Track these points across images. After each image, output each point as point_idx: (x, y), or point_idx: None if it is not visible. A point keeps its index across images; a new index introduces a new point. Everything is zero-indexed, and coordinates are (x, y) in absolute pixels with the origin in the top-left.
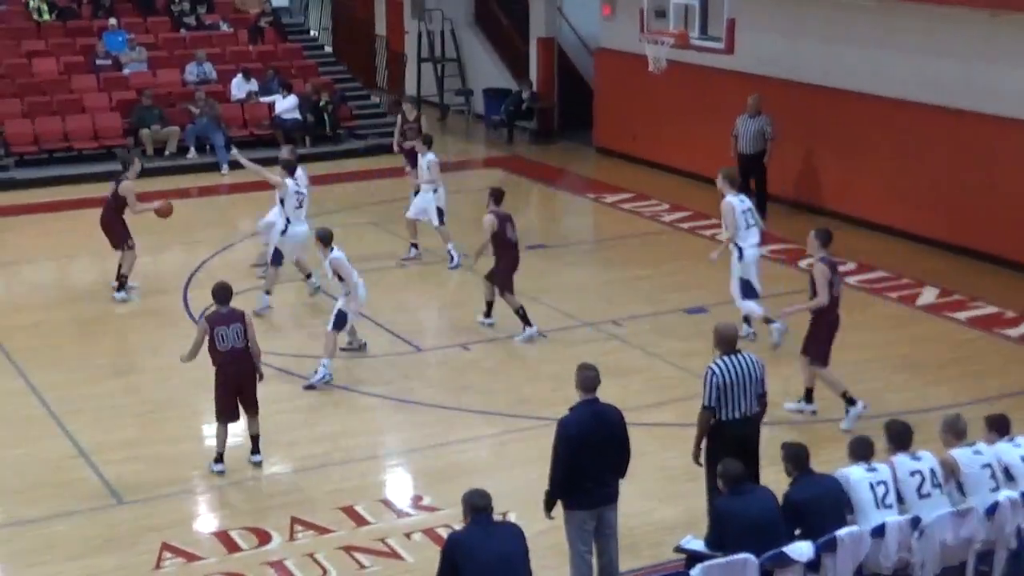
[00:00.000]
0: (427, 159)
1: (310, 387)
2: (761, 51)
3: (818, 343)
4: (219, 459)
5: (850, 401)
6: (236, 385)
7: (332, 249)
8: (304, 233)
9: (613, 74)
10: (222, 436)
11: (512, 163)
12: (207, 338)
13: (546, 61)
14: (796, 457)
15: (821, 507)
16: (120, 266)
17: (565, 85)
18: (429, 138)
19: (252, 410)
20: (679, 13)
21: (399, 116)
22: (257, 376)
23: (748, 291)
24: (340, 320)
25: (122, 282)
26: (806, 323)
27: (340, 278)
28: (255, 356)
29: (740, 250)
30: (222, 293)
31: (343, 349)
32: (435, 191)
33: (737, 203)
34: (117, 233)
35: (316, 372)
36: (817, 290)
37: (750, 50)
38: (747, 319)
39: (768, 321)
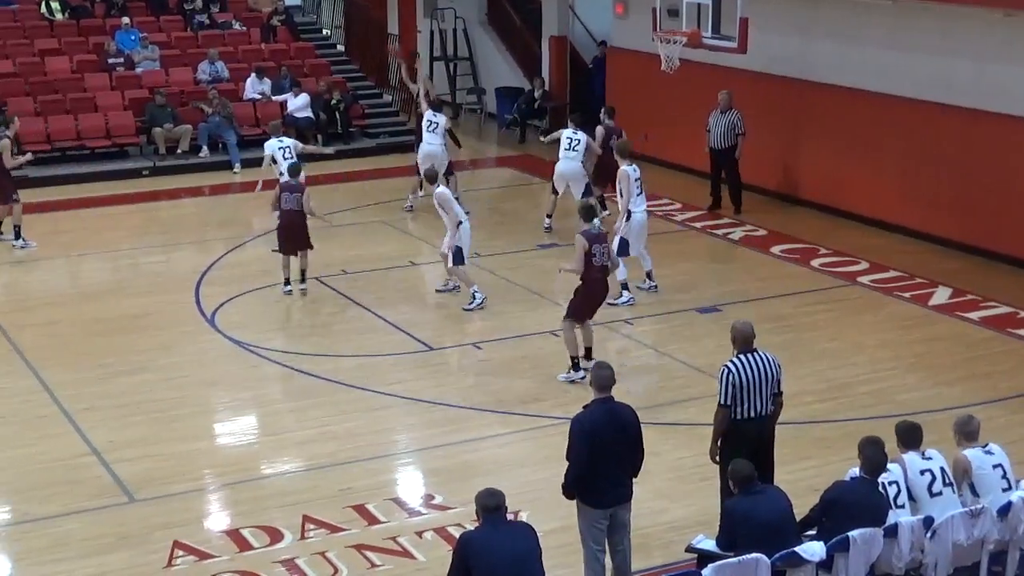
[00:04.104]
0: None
1: (469, 309)
2: (774, 50)
3: (576, 303)
4: None
5: (575, 367)
6: None
7: (437, 185)
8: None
9: (625, 73)
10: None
11: (524, 162)
12: None
13: (558, 60)
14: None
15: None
16: (12, 219)
17: (577, 84)
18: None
19: None
20: (691, 12)
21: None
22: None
23: (623, 250)
24: (457, 256)
25: (17, 231)
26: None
27: (445, 211)
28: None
29: (629, 214)
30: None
31: (438, 291)
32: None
33: (631, 172)
34: (5, 188)
35: (473, 300)
36: (575, 258)
37: (763, 49)
38: (625, 285)
39: (624, 287)
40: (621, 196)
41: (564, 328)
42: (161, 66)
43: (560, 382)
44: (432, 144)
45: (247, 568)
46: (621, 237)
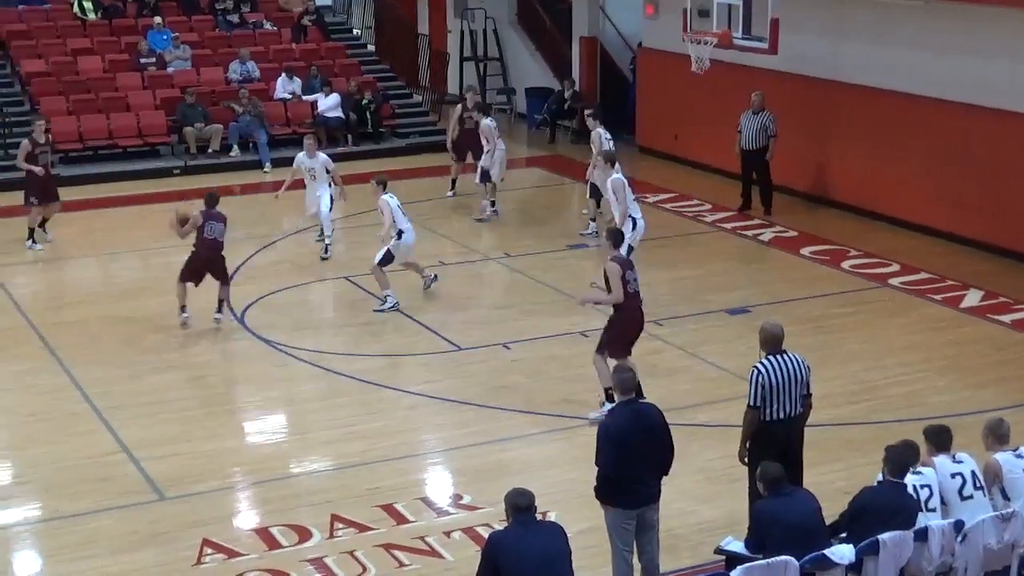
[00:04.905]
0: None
1: (379, 311)
2: (804, 50)
3: (613, 336)
4: None
5: (609, 399)
6: None
7: (384, 193)
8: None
9: (656, 73)
10: None
11: (554, 162)
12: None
13: (589, 60)
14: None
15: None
16: (30, 219)
17: (607, 84)
18: (487, 106)
19: None
20: (722, 13)
21: (459, 105)
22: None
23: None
24: (386, 258)
25: (31, 232)
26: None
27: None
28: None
29: (634, 221)
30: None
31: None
32: (490, 153)
33: (623, 179)
34: (46, 188)
35: (384, 302)
36: (611, 287)
37: (792, 49)
38: None
39: None
40: (618, 203)
41: (595, 360)
42: (192, 66)
43: (596, 402)
44: (503, 149)
45: (276, 566)
46: (629, 245)
